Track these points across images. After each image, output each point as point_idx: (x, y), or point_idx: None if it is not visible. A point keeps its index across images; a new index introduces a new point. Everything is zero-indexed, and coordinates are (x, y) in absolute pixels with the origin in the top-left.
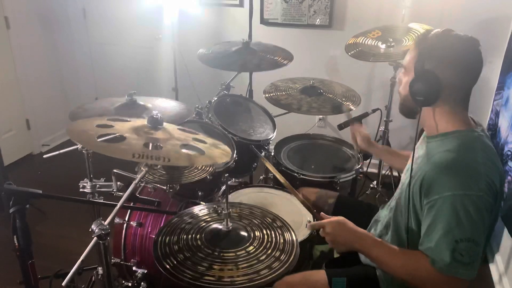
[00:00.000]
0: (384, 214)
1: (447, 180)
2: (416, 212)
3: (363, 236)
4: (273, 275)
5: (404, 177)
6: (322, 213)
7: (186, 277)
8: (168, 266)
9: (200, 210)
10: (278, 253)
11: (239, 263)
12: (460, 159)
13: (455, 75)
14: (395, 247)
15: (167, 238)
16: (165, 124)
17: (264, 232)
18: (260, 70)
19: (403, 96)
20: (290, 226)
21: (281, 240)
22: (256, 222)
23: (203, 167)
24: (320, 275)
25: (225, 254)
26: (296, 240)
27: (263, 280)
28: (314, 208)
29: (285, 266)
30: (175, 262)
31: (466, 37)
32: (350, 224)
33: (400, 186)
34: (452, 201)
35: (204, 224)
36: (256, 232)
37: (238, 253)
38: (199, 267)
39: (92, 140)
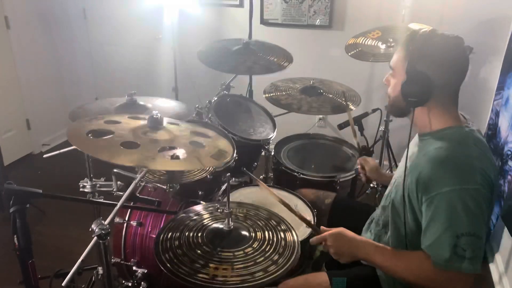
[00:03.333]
0: (379, 214)
1: (444, 176)
2: (414, 210)
3: (364, 244)
4: (267, 278)
5: (397, 176)
6: (322, 226)
7: (180, 272)
8: (165, 260)
9: (208, 208)
10: (276, 257)
11: (235, 264)
12: (455, 155)
13: (445, 74)
14: (397, 250)
15: (170, 233)
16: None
17: (266, 234)
18: (259, 74)
19: (393, 97)
20: (294, 230)
21: (282, 244)
22: (260, 224)
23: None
24: (322, 277)
25: (223, 254)
26: (298, 245)
27: (256, 282)
28: (314, 208)
29: (281, 270)
30: (172, 257)
31: (452, 36)
32: (350, 233)
33: (393, 183)
34: (450, 196)
35: (208, 222)
36: (258, 233)
37: (236, 253)
38: (195, 264)
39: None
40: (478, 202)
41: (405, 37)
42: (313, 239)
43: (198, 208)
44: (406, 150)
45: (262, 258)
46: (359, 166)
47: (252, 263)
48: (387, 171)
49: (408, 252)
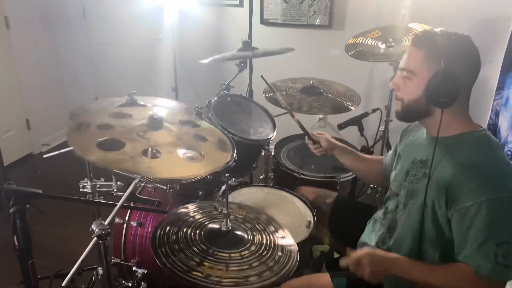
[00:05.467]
0: (382, 216)
1: (478, 184)
2: (436, 217)
3: (398, 261)
4: (261, 283)
5: (402, 180)
6: (348, 248)
7: (175, 268)
8: (160, 253)
9: (207, 206)
10: (272, 263)
11: (230, 265)
12: (486, 162)
13: (467, 73)
14: (431, 264)
15: (168, 227)
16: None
17: (264, 239)
18: (261, 56)
19: (410, 100)
20: (292, 239)
21: (279, 252)
22: (259, 228)
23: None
24: (325, 279)
25: (218, 253)
26: (297, 255)
27: (249, 286)
28: (314, 208)
29: (275, 277)
30: (168, 251)
31: (462, 35)
32: (382, 252)
33: (399, 186)
34: (488, 205)
35: (206, 221)
36: (256, 237)
37: (232, 254)
38: (190, 261)
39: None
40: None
41: (418, 37)
42: (345, 261)
43: (198, 205)
44: (432, 155)
45: (258, 263)
46: (310, 146)
47: (247, 266)
48: None
49: (444, 265)
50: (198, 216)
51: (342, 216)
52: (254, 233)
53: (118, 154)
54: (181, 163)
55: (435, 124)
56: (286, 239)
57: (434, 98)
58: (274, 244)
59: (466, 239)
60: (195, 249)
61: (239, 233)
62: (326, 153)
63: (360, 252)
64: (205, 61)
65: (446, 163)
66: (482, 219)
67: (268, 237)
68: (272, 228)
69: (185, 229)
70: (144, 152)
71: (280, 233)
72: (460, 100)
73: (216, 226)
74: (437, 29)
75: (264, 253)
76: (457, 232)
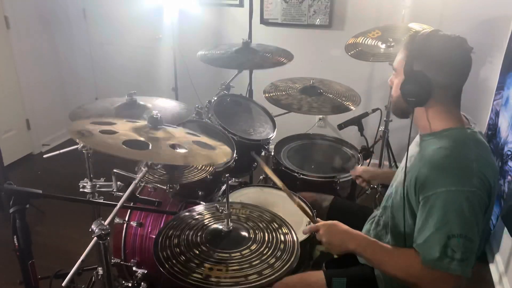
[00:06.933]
0: (380, 214)
1: (441, 177)
2: (413, 210)
3: (356, 236)
4: (261, 281)
5: (397, 176)
6: (318, 218)
7: (175, 270)
8: (161, 257)
9: (210, 208)
10: (273, 260)
11: (230, 265)
12: (453, 156)
13: (444, 74)
14: (389, 246)
15: (171, 231)
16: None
17: (266, 236)
18: (260, 68)
19: (395, 97)
20: (295, 232)
21: (281, 247)
22: (261, 226)
23: (203, 166)
24: (318, 275)
25: (219, 254)
26: (298, 248)
27: (249, 285)
28: (311, 211)
29: (277, 274)
30: (169, 255)
31: (453, 36)
32: (343, 225)
33: (393, 184)
34: (445, 197)
35: (209, 222)
36: (257, 235)
37: (232, 254)
38: (191, 263)
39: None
40: (473, 205)
41: (406, 38)
42: (305, 229)
43: (201, 207)
44: (406, 152)
45: (258, 261)
46: (356, 180)
47: (248, 265)
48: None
49: (399, 248)
50: (200, 218)
51: (338, 219)
52: (256, 231)
53: (152, 151)
54: (205, 152)
55: (417, 121)
56: (289, 234)
57: (404, 97)
58: (276, 241)
59: (421, 227)
60: (196, 251)
61: (240, 232)
62: (370, 183)
63: (321, 222)
64: (202, 52)
65: (419, 158)
66: (438, 210)
67: (270, 234)
68: (275, 225)
69: (187, 232)
70: (173, 146)
71: (283, 229)
72: (439, 99)
73: (217, 226)
74: (429, 30)
75: (265, 250)
76: (418, 220)
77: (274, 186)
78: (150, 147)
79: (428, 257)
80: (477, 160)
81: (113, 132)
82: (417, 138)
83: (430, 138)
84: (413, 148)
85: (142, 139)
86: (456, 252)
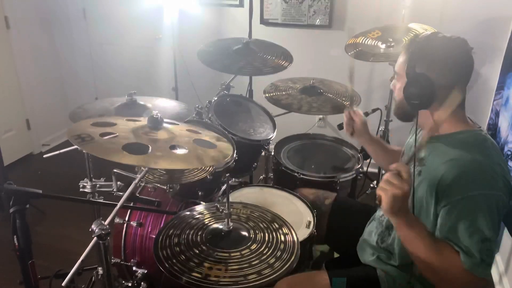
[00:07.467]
0: (382, 214)
1: (470, 181)
2: (429, 213)
3: (417, 220)
4: (261, 281)
5: None
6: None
7: (174, 269)
8: (161, 256)
9: (211, 207)
10: (273, 260)
11: (230, 264)
12: (479, 159)
13: (446, 76)
14: (433, 236)
15: (171, 230)
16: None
17: (266, 236)
18: (260, 75)
19: (398, 101)
20: (295, 232)
21: (281, 247)
22: (262, 226)
23: (203, 166)
24: (322, 276)
25: (218, 253)
26: (298, 247)
27: (248, 285)
28: (313, 209)
29: (277, 273)
30: (169, 254)
31: (453, 37)
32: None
33: None
34: (478, 200)
35: (209, 222)
36: (258, 235)
37: (232, 254)
38: (190, 262)
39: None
40: (499, 208)
41: (407, 41)
42: (392, 166)
43: (201, 207)
44: (413, 155)
45: (258, 261)
46: (345, 118)
47: (247, 265)
48: None
49: (441, 242)
50: (201, 217)
51: (341, 217)
52: (257, 231)
53: (152, 154)
54: (207, 151)
55: (423, 124)
56: (289, 234)
57: (407, 100)
58: (276, 241)
59: (456, 230)
60: (196, 250)
61: (241, 232)
62: (353, 134)
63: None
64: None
65: (438, 160)
66: (471, 212)
67: (270, 234)
68: (275, 225)
69: (187, 231)
70: (172, 147)
71: (284, 229)
72: (443, 101)
73: (217, 226)
74: (429, 33)
75: (265, 250)
76: (444, 225)
77: (274, 186)
78: (150, 150)
79: (471, 261)
80: (498, 163)
81: (113, 134)
82: (420, 139)
83: (443, 140)
84: (422, 151)
85: (143, 142)
86: (488, 256)
